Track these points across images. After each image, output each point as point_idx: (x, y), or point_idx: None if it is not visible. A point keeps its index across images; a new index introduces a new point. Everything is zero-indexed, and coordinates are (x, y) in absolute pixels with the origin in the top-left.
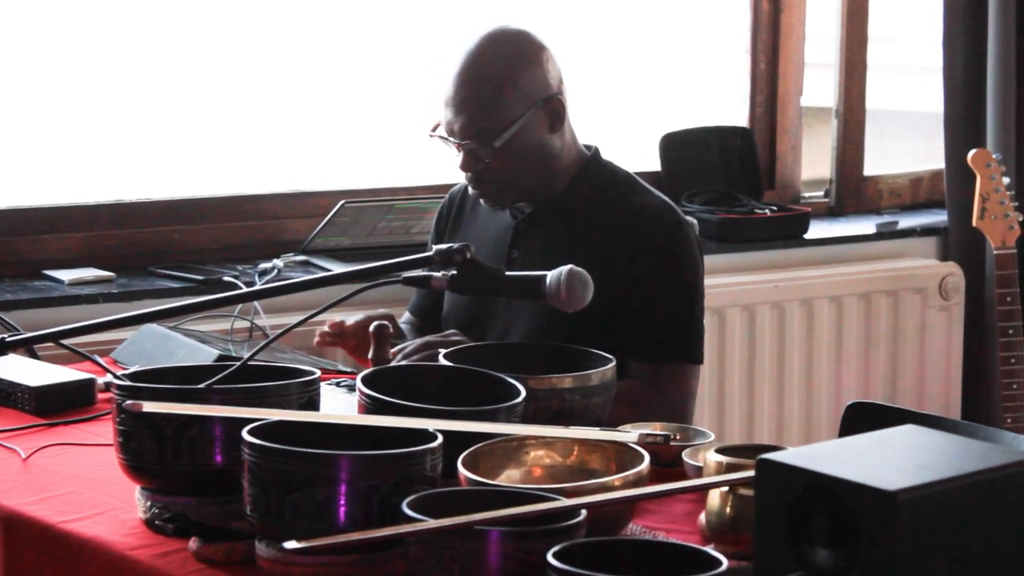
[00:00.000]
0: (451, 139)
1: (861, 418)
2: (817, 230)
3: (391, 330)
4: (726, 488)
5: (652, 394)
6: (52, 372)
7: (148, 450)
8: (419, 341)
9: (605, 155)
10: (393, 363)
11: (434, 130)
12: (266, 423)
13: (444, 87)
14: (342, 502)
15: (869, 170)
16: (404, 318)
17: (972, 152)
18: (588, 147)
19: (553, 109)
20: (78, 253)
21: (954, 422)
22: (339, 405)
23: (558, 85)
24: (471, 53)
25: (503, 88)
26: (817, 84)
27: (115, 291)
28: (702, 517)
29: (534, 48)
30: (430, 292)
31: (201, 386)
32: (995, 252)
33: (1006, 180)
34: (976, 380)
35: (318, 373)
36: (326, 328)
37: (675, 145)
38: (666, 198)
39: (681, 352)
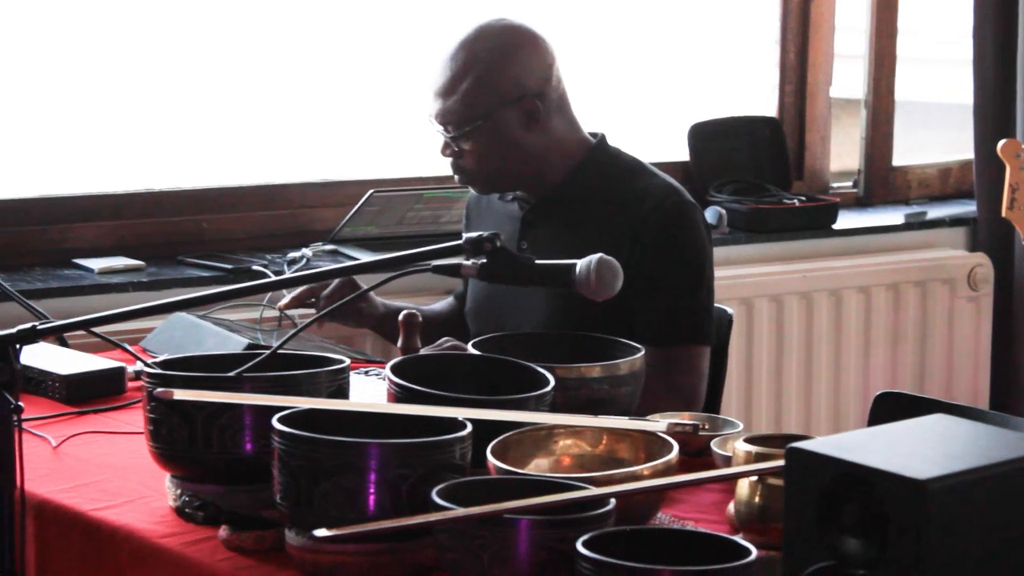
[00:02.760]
0: (432, 123)
1: (890, 408)
2: (845, 220)
3: (420, 319)
4: (755, 477)
5: (659, 378)
6: (82, 360)
7: (178, 438)
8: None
9: (634, 145)
10: (422, 352)
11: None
12: (296, 411)
13: (430, 72)
14: (371, 490)
15: (898, 161)
16: (447, 300)
17: (1002, 142)
18: (594, 135)
19: (527, 109)
20: (108, 242)
21: (983, 412)
22: (368, 393)
23: (540, 85)
24: (455, 43)
25: (475, 81)
26: (846, 75)
27: (145, 280)
28: (731, 506)
29: (517, 45)
30: (466, 283)
31: (231, 374)
32: None
33: None
34: (1004, 370)
35: (347, 361)
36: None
37: (704, 135)
38: (671, 180)
39: (688, 335)
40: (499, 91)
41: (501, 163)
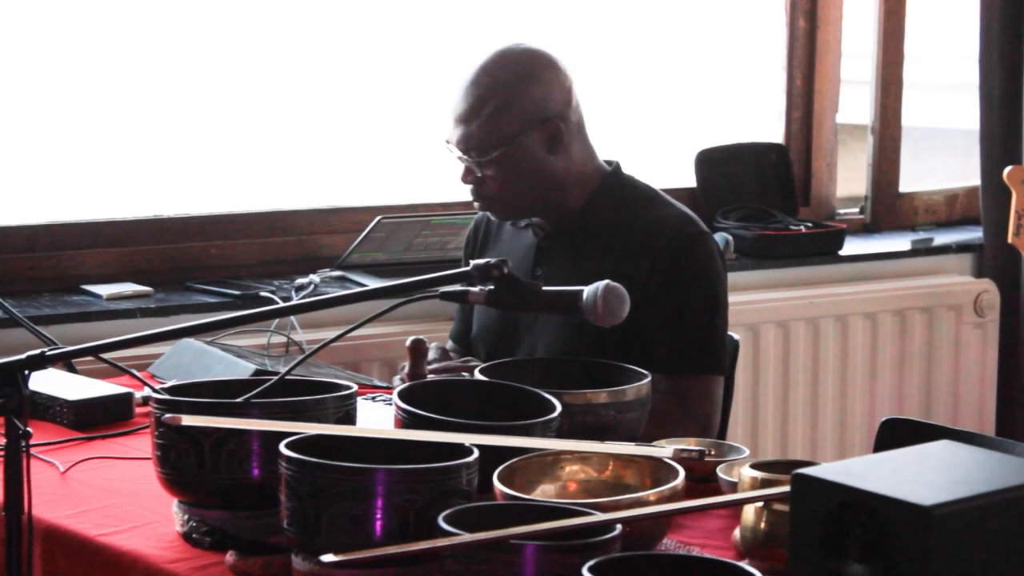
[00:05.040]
0: (451, 150)
1: (895, 434)
2: (852, 247)
3: (427, 345)
4: (761, 503)
5: (675, 406)
6: (90, 386)
7: (186, 463)
8: (438, 366)
9: (641, 171)
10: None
11: (448, 142)
12: (303, 437)
13: (450, 99)
14: (378, 516)
15: (904, 187)
16: (448, 346)
17: (1008, 169)
18: (609, 162)
19: (550, 131)
20: (116, 268)
21: (988, 438)
22: (376, 419)
23: (562, 108)
24: (475, 68)
25: (499, 105)
26: (853, 101)
27: (153, 306)
28: (736, 532)
29: (538, 68)
30: (465, 319)
31: (239, 400)
32: None
33: None
34: (1010, 396)
35: (355, 387)
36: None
37: (711, 161)
38: (687, 210)
39: (703, 364)
40: (523, 114)
41: (525, 188)
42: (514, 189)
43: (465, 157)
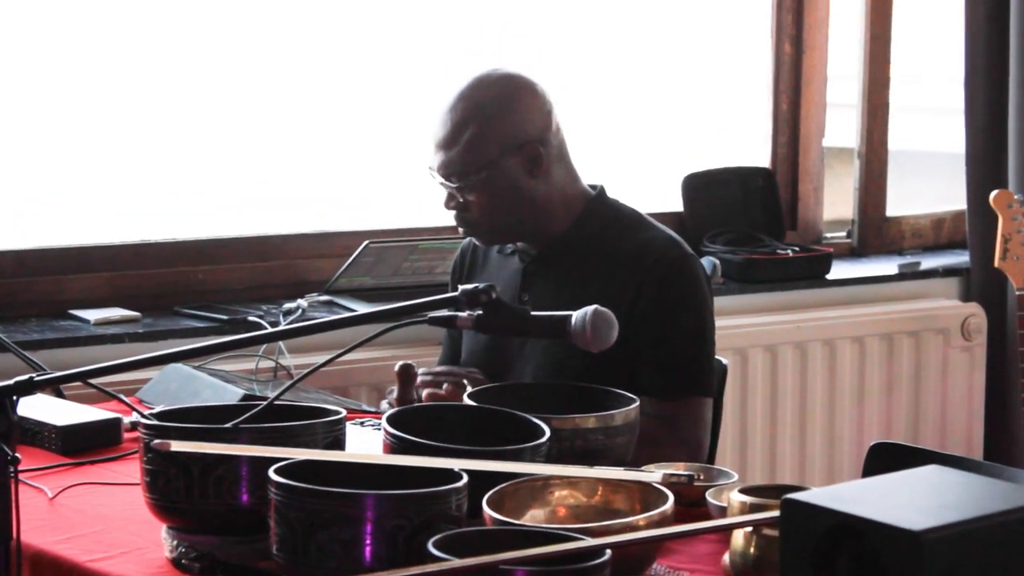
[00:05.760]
0: (434, 176)
1: (884, 458)
2: (839, 271)
3: (416, 371)
4: (750, 528)
5: (665, 430)
6: (78, 411)
7: (175, 489)
8: (443, 368)
9: (628, 196)
10: (419, 403)
11: (430, 168)
12: (292, 462)
13: (430, 125)
14: (368, 541)
15: (891, 211)
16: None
17: (994, 193)
18: (593, 186)
19: (530, 155)
20: (104, 293)
21: (977, 462)
22: (365, 444)
23: (541, 132)
24: (456, 94)
25: (477, 130)
26: (839, 125)
27: (141, 331)
28: (726, 557)
29: (516, 93)
30: (455, 345)
31: (228, 425)
32: (1017, 293)
33: None
34: (998, 420)
35: (344, 413)
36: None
37: (697, 186)
38: (672, 233)
39: (691, 387)
40: (501, 139)
41: (506, 212)
42: (496, 214)
43: (447, 183)
